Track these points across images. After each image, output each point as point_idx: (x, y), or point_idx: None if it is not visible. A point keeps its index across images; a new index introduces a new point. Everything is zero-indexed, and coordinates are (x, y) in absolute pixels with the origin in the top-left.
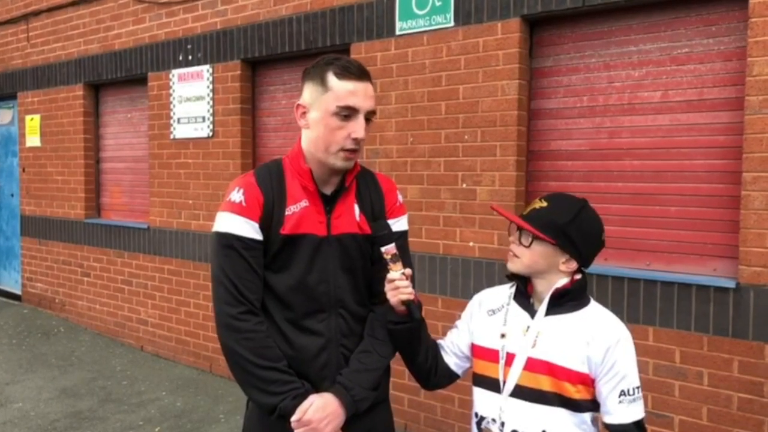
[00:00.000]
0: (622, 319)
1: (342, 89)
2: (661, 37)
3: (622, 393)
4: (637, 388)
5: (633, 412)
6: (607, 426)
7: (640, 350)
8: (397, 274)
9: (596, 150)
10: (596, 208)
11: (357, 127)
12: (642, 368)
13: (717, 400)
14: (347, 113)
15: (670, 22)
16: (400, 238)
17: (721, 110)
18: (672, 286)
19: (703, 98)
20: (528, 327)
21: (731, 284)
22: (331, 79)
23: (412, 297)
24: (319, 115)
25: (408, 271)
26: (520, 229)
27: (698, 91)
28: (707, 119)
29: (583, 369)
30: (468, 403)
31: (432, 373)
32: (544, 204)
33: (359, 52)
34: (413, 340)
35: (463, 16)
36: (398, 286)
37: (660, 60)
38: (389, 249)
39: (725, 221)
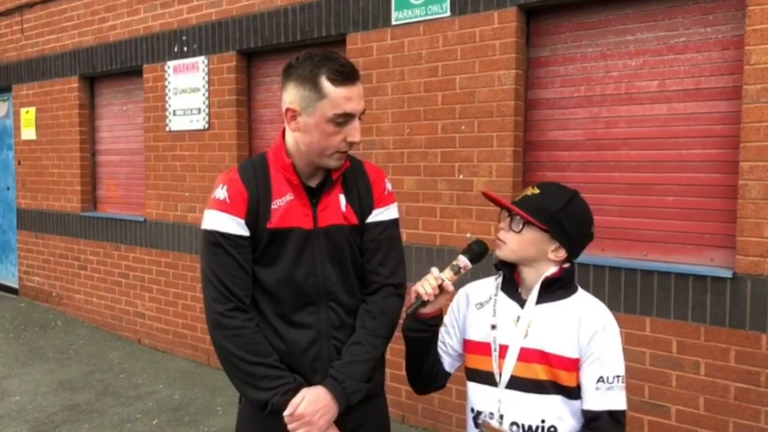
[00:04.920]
0: (618, 309)
1: (338, 96)
2: (658, 26)
3: (600, 379)
4: (618, 377)
5: (608, 400)
6: (582, 413)
7: (637, 340)
8: (438, 272)
9: (593, 140)
10: (593, 198)
11: (353, 131)
12: (639, 358)
13: (714, 389)
14: (344, 120)
15: (668, 10)
16: (389, 227)
17: (719, 99)
18: (669, 276)
19: (700, 87)
20: (518, 317)
21: (728, 274)
22: (326, 85)
23: (425, 297)
24: (314, 121)
25: (449, 287)
26: (511, 215)
27: (695, 81)
28: (704, 108)
29: (574, 354)
30: (465, 394)
31: (433, 377)
32: (537, 191)
33: (355, 42)
34: (427, 347)
35: (459, 6)
36: (427, 279)
37: (657, 49)
38: (462, 261)
39: (722, 211)
